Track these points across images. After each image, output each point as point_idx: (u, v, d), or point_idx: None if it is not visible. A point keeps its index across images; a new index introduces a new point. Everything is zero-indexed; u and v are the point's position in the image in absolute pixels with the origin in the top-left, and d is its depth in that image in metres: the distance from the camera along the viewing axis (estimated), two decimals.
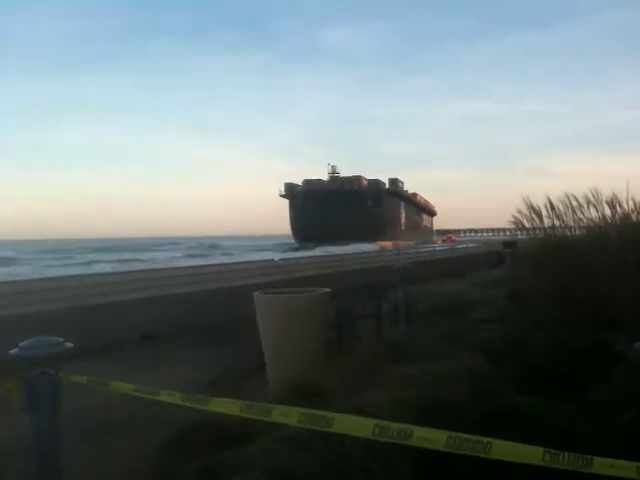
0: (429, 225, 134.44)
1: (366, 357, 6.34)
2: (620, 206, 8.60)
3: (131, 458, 4.01)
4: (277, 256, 20.35)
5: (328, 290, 6.31)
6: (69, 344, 3.26)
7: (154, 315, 9.65)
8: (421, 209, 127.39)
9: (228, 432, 3.77)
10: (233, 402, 2.60)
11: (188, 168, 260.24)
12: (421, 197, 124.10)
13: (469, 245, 38.60)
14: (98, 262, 47.93)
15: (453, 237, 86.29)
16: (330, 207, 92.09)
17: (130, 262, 47.57)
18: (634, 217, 8.71)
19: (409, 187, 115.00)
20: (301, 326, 5.85)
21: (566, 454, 1.85)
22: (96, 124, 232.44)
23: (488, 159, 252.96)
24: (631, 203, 8.60)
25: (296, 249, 72.24)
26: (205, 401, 2.65)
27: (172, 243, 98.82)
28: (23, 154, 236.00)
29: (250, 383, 6.12)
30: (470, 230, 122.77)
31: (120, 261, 49.06)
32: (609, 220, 8.73)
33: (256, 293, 6.22)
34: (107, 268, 32.00)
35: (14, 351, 3.16)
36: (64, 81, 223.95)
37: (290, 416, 2.37)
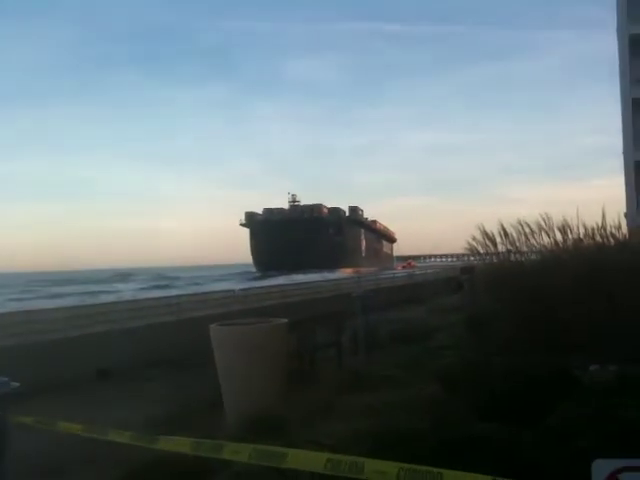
0: (389, 251, 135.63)
1: (326, 387, 6.30)
2: (571, 232, 8.80)
3: None
4: (238, 286, 20.18)
5: (285, 320, 6.27)
6: (15, 384, 3.15)
7: (110, 350, 9.44)
8: (381, 236, 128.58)
9: (182, 470, 3.68)
10: (183, 440, 2.55)
11: (148, 199, 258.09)
12: (381, 224, 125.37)
13: (428, 271, 38.96)
14: (62, 296, 46.74)
15: (413, 263, 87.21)
16: (291, 235, 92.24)
17: (95, 294, 46.63)
18: (585, 241, 8.92)
19: (369, 214, 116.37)
20: (259, 357, 5.79)
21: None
22: (55, 156, 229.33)
23: (446, 187, 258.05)
24: (582, 228, 8.81)
25: (257, 278, 71.91)
26: (154, 440, 2.59)
27: (129, 274, 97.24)
28: None
29: (208, 417, 6.00)
30: (430, 256, 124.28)
31: (84, 293, 48.02)
32: (561, 245, 8.92)
33: (212, 325, 6.14)
34: (69, 301, 31.20)
35: None
36: (22, 114, 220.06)
37: (241, 453, 2.33)
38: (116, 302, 14.93)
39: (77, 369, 8.57)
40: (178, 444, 2.56)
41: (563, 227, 8.73)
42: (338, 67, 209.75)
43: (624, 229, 9.28)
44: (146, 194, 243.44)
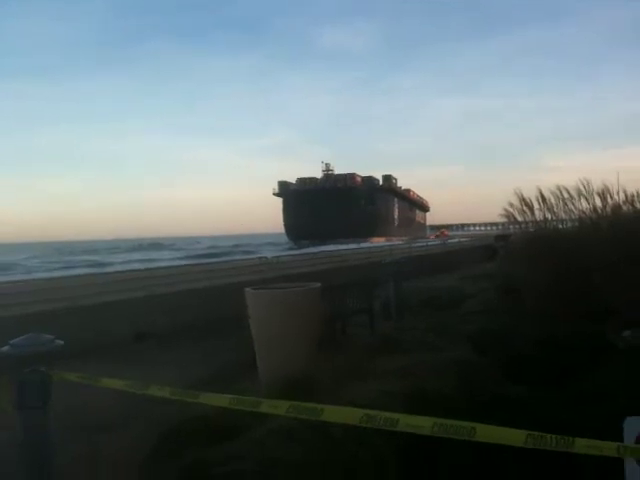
0: (422, 221, 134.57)
1: (358, 351, 6.36)
2: (611, 197, 8.65)
3: (124, 454, 4.03)
4: (270, 254, 20.35)
5: (318, 285, 6.33)
6: (59, 341, 3.27)
7: (149, 314, 9.67)
8: (414, 205, 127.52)
9: (219, 427, 3.79)
10: (222, 396, 2.63)
11: (183, 170, 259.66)
12: (414, 193, 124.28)
13: (462, 239, 38.70)
14: (110, 264, 47.59)
15: (446, 232, 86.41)
16: (324, 205, 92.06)
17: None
18: (625, 208, 8.77)
19: (403, 183, 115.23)
20: (292, 321, 5.87)
21: (548, 436, 1.88)
22: (89, 126, 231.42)
23: (481, 155, 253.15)
24: (622, 194, 8.66)
25: (289, 248, 72.28)
26: (195, 395, 2.67)
27: (165, 244, 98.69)
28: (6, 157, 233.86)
29: (243, 380, 6.13)
30: (463, 225, 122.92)
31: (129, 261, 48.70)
32: (600, 211, 8.77)
33: (247, 289, 6.24)
34: (118, 268, 31.75)
35: (5, 349, 3.17)
36: (56, 85, 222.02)
37: (279, 408, 2.39)
38: (153, 269, 15.21)
39: (116, 332, 8.81)
40: (217, 399, 2.65)
41: (602, 193, 8.58)
42: (370, 34, 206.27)
43: None
44: (179, 164, 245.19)
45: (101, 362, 7.06)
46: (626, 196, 8.68)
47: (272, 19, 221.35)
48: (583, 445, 1.83)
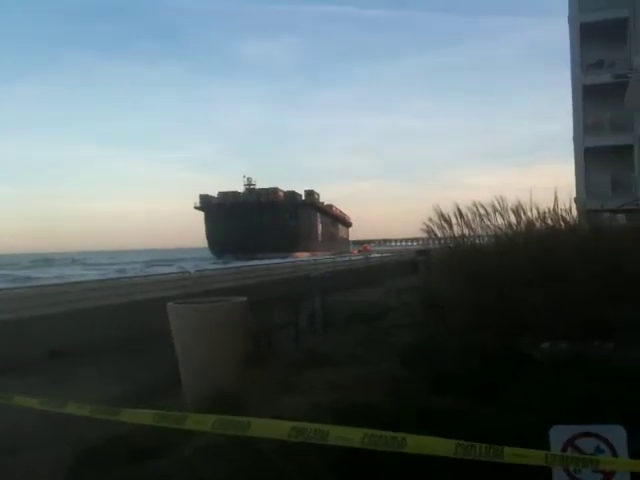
0: (345, 236, 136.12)
1: (284, 366, 6.31)
2: (524, 214, 8.99)
3: (37, 477, 3.82)
4: (193, 269, 20.00)
5: (244, 299, 6.25)
6: None
7: (64, 331, 9.27)
8: (337, 220, 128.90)
9: (141, 446, 3.65)
10: (145, 412, 2.53)
11: (103, 180, 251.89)
12: (337, 208, 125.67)
13: (384, 254, 39.34)
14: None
15: (368, 247, 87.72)
16: (246, 219, 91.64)
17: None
18: (538, 224, 9.13)
19: (325, 198, 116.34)
20: (217, 336, 5.76)
21: (477, 445, 1.90)
22: (7, 137, 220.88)
23: (400, 171, 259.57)
24: (535, 211, 9.01)
25: (212, 262, 71.33)
26: (115, 412, 2.56)
27: (81, 259, 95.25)
28: None
29: (165, 398, 5.96)
30: (385, 240, 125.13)
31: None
32: (515, 228, 9.10)
33: (170, 304, 6.08)
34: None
35: None
36: None
37: (204, 423, 2.32)
38: (72, 283, 14.63)
39: (29, 350, 8.40)
40: (140, 416, 2.54)
41: (517, 209, 8.90)
42: (293, 49, 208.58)
43: (574, 213, 9.52)
44: (98, 176, 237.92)
45: (14, 379, 6.72)
46: (539, 213, 9.05)
47: (194, 30, 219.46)
48: (512, 454, 1.87)
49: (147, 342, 8.06)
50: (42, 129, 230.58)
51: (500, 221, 9.08)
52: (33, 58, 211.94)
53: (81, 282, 15.45)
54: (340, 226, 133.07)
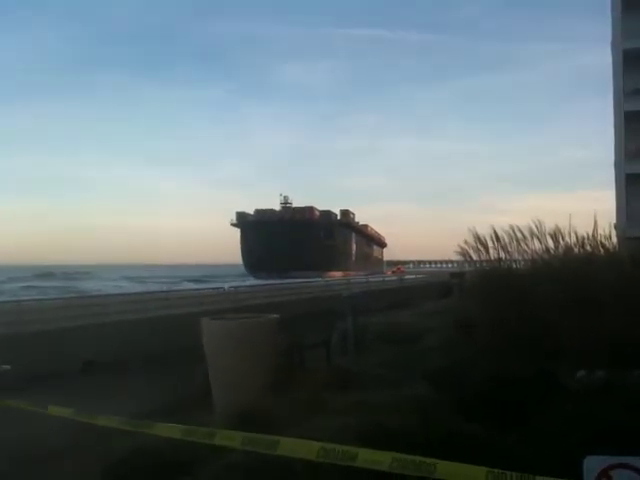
0: (379, 256, 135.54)
1: (315, 385, 6.29)
2: (563, 239, 8.85)
3: None
4: (227, 285, 20.16)
5: (276, 316, 6.27)
6: (5, 367, 3.14)
7: (98, 343, 9.41)
8: (372, 240, 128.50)
9: (171, 460, 3.66)
10: (175, 427, 2.54)
11: (141, 199, 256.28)
12: (372, 229, 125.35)
13: (418, 276, 39.07)
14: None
15: (402, 268, 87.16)
16: (281, 237, 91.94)
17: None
18: (576, 250, 8.98)
19: (360, 219, 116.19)
20: (249, 352, 5.78)
21: (509, 474, 1.87)
22: (46, 154, 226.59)
23: (436, 194, 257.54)
24: (573, 236, 8.87)
25: (247, 279, 71.78)
26: (145, 425, 2.58)
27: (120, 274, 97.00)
28: None
29: (196, 412, 5.98)
30: (419, 261, 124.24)
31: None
32: (552, 252, 8.97)
33: (204, 319, 6.14)
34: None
35: None
36: (12, 111, 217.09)
37: (233, 440, 2.33)
38: (108, 295, 14.86)
39: (64, 360, 8.54)
40: (170, 430, 2.56)
41: (554, 234, 8.78)
42: (332, 72, 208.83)
43: (614, 239, 9.35)
44: (139, 195, 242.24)
45: (48, 390, 6.83)
46: (577, 238, 8.91)
47: (233, 53, 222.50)
48: None
49: (181, 355, 8.12)
50: (82, 149, 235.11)
51: (537, 245, 8.97)
52: (78, 80, 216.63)
53: (120, 295, 15.71)
54: (375, 246, 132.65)
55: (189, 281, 57.76)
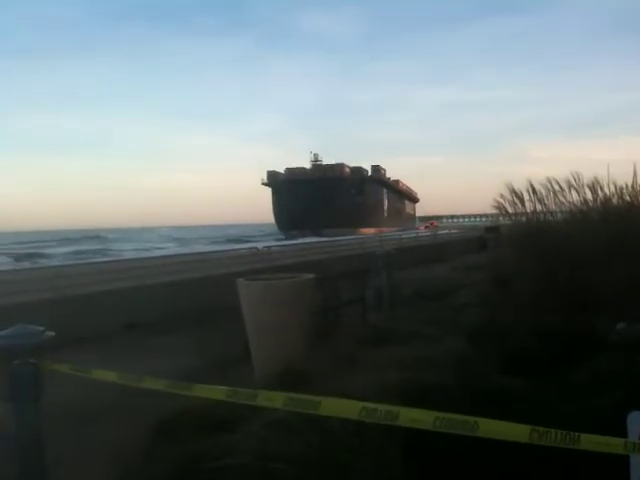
0: (412, 212, 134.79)
1: (351, 342, 6.34)
2: (601, 190, 8.65)
3: (116, 446, 3.98)
4: (261, 245, 20.28)
5: (312, 276, 6.30)
6: (50, 333, 3.21)
7: (138, 305, 9.61)
8: (404, 196, 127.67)
9: (213, 419, 3.75)
10: (217, 388, 2.58)
11: (166, 155, 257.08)
12: (403, 184, 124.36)
13: (451, 231, 38.78)
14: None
15: (435, 223, 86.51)
16: (314, 195, 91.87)
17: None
18: (615, 201, 8.77)
19: (391, 174, 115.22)
20: (285, 312, 5.84)
21: (553, 431, 1.85)
22: (69, 110, 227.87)
23: (469, 145, 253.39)
24: (612, 187, 8.65)
25: (280, 238, 72.26)
26: (189, 387, 2.62)
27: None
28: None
29: (235, 371, 6.10)
30: (452, 216, 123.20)
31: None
32: (591, 204, 8.78)
33: (240, 280, 6.20)
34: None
35: None
36: (37, 67, 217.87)
37: (275, 400, 2.35)
38: (143, 258, 15.10)
39: (106, 323, 8.76)
40: (212, 392, 2.60)
41: (593, 185, 8.57)
42: (354, 20, 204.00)
43: None
44: (162, 151, 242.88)
45: (91, 352, 7.02)
46: (616, 188, 8.69)
47: (255, 3, 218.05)
48: (589, 441, 1.80)
49: (219, 316, 8.25)
50: (108, 103, 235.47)
51: (575, 197, 8.78)
52: (97, 33, 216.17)
53: (153, 257, 15.94)
54: (407, 202, 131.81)
55: (229, 241, 58.36)
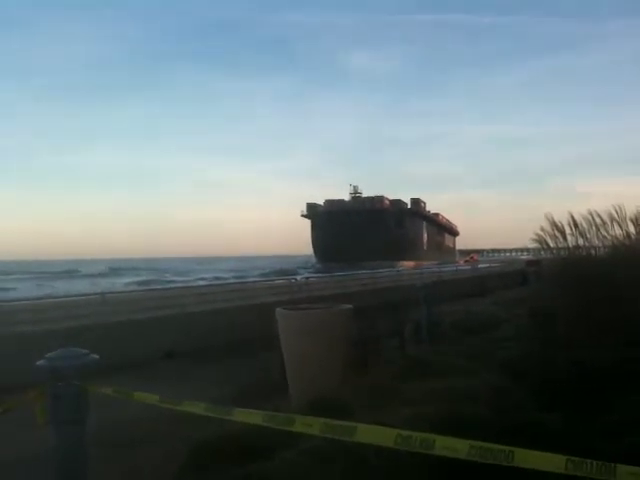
0: (452, 245, 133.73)
1: (389, 374, 6.32)
2: None
3: (155, 472, 4.04)
4: (299, 276, 20.40)
5: (350, 306, 6.32)
6: (94, 356, 3.30)
7: (178, 333, 9.75)
8: (443, 229, 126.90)
9: (250, 446, 3.78)
10: (256, 412, 2.62)
11: (209, 191, 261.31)
12: (443, 217, 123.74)
13: (492, 265, 38.31)
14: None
15: (475, 257, 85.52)
16: (353, 227, 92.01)
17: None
18: None
19: (431, 207, 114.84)
20: (322, 342, 5.86)
21: (589, 462, 1.84)
22: (120, 149, 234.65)
23: (510, 180, 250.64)
24: None
25: (318, 269, 72.35)
26: (227, 411, 2.67)
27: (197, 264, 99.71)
28: (46, 176, 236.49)
29: (271, 400, 6.12)
30: (493, 250, 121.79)
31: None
32: (633, 237, 8.64)
33: (278, 309, 6.26)
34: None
35: (41, 362, 3.20)
36: (89, 107, 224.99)
37: (312, 426, 2.38)
38: (184, 287, 15.34)
39: (147, 348, 8.91)
40: (250, 416, 2.64)
41: (636, 218, 8.45)
42: (400, 58, 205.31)
43: None
44: (205, 185, 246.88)
45: (131, 378, 7.14)
46: None
47: (297, 42, 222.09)
48: (625, 472, 1.78)
49: (257, 344, 8.31)
50: (154, 141, 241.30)
51: (618, 231, 8.65)
52: (145, 73, 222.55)
53: (194, 286, 16.17)
54: (447, 235, 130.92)
55: (274, 273, 58.81)
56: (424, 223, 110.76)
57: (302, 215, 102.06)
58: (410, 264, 70.90)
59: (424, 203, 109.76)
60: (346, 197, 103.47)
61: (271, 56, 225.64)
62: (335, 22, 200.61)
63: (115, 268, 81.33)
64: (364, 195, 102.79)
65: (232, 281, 23.42)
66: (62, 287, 43.45)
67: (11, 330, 8.36)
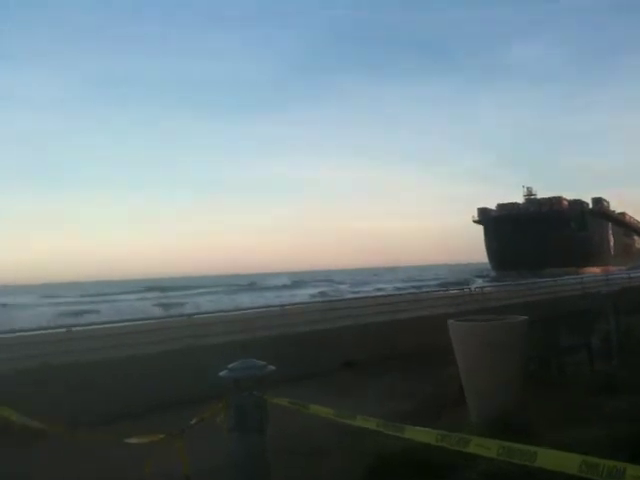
0: None
1: (576, 391, 5.90)
2: None
3: None
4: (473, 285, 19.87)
5: (525, 318, 5.99)
6: (271, 367, 3.44)
7: (356, 344, 9.93)
8: (631, 230, 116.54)
9: (427, 463, 3.71)
10: (428, 431, 2.56)
11: (376, 199, 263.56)
12: (630, 217, 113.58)
13: None
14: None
15: None
16: (528, 232, 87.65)
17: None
18: None
19: (615, 206, 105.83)
20: (495, 355, 5.61)
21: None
22: (278, 160, 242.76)
23: None
24: None
25: (494, 278, 70.00)
26: (400, 428, 2.64)
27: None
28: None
29: (450, 415, 5.97)
30: None
31: None
32: None
33: (450, 321, 6.11)
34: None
35: (223, 373, 3.40)
36: (254, 122, 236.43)
37: (489, 448, 2.27)
38: (354, 299, 15.60)
39: (325, 359, 9.16)
40: (423, 434, 2.59)
41: None
42: (561, 47, 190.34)
43: None
44: (373, 193, 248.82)
45: (309, 388, 7.37)
46: None
47: (454, 41, 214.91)
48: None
49: (433, 356, 8.19)
50: (315, 152, 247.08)
51: None
52: (309, 86, 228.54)
53: (362, 298, 16.38)
54: (636, 237, 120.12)
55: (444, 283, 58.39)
56: (609, 224, 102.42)
57: (474, 221, 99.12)
58: (596, 270, 66.13)
59: (607, 202, 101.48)
60: (519, 200, 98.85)
61: (425, 59, 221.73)
62: (486, 16, 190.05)
63: (296, 281, 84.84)
64: (539, 196, 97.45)
65: (410, 291, 23.40)
66: (246, 299, 46.22)
67: (203, 341, 9.03)
